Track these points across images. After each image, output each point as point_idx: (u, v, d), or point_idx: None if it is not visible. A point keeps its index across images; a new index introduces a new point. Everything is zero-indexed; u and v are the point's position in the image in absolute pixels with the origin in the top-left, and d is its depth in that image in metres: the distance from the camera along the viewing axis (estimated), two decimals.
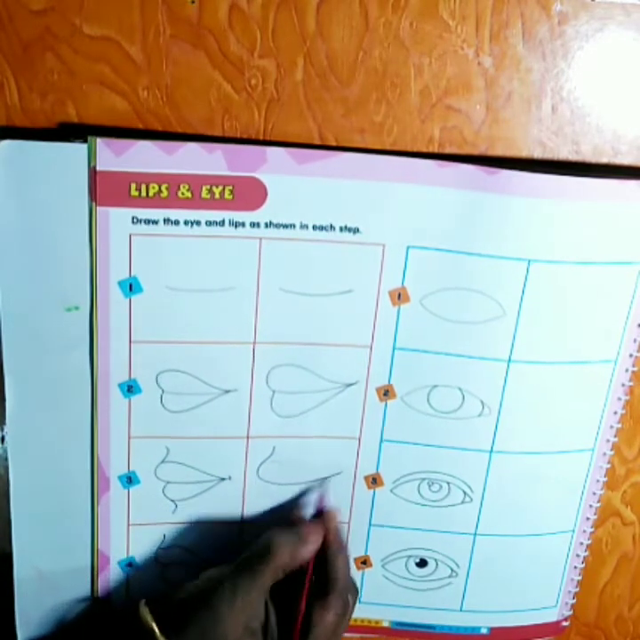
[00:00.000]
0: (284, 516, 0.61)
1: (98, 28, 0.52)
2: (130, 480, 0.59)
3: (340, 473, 0.61)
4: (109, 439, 0.58)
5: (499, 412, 0.59)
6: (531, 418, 0.60)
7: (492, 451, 0.60)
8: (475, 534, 0.63)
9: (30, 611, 0.62)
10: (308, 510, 0.61)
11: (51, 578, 0.61)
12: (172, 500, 0.61)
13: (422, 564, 0.64)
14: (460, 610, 0.66)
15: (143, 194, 0.52)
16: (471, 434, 0.60)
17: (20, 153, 0.51)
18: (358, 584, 0.64)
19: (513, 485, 0.62)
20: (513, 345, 0.57)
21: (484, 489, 0.62)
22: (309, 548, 0.57)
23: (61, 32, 0.52)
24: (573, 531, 0.65)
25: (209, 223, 0.54)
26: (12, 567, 0.60)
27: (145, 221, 0.53)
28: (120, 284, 0.54)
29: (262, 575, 0.55)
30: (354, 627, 0.66)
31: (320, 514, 0.60)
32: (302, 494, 0.62)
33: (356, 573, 0.64)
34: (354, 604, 0.59)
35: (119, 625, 0.58)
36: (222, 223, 0.54)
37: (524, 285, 0.56)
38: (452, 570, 0.65)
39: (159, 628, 0.54)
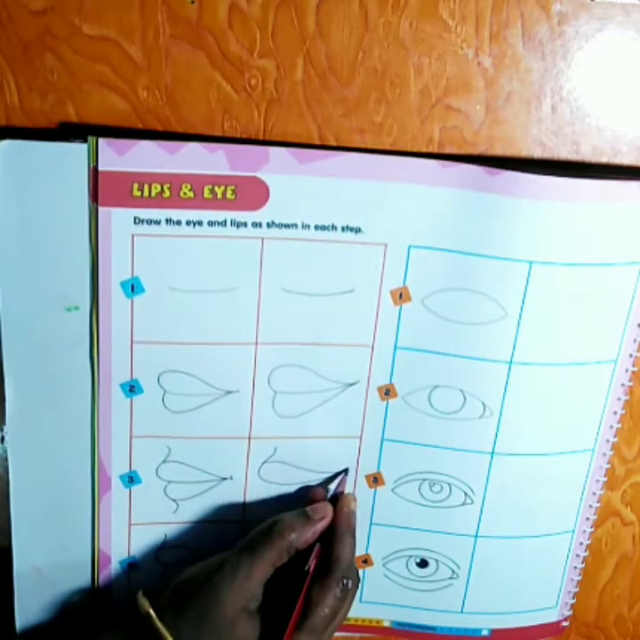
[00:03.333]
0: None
1: (98, 28, 0.52)
2: (131, 479, 0.59)
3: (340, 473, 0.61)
4: (111, 439, 0.58)
5: (500, 414, 0.59)
6: (532, 419, 0.60)
7: (493, 452, 0.60)
8: (476, 536, 0.63)
9: (30, 610, 0.62)
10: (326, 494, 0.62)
11: (51, 577, 0.61)
12: (174, 500, 0.61)
13: (423, 564, 0.64)
14: (461, 611, 0.66)
15: (145, 194, 0.52)
16: (472, 435, 0.60)
17: (20, 153, 0.51)
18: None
19: (514, 487, 0.62)
20: (514, 346, 0.57)
21: (485, 491, 0.62)
22: (316, 528, 0.57)
23: (61, 32, 0.52)
24: (573, 531, 0.65)
25: (211, 223, 0.54)
26: (12, 567, 0.60)
27: (147, 221, 0.53)
28: (122, 284, 0.54)
29: (265, 558, 0.54)
30: (354, 626, 0.67)
31: (335, 497, 0.60)
32: (303, 494, 0.62)
33: None
34: (354, 591, 0.58)
35: (119, 622, 0.58)
36: (224, 223, 0.54)
37: (526, 287, 0.56)
38: (452, 571, 0.64)
39: (156, 613, 0.54)
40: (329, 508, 0.58)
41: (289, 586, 0.56)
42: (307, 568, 0.56)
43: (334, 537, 0.58)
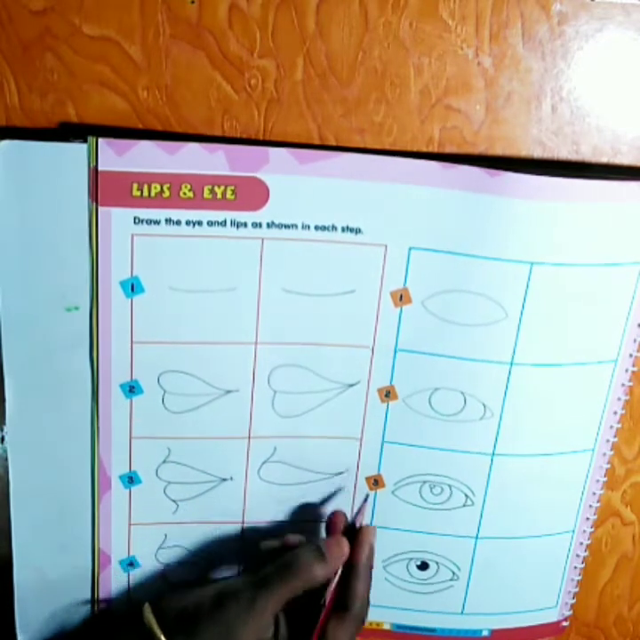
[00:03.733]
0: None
1: (98, 28, 0.52)
2: (131, 480, 0.59)
3: (341, 473, 0.61)
4: (111, 439, 0.58)
5: (501, 415, 0.59)
6: (532, 420, 0.60)
7: (493, 454, 0.60)
8: (476, 537, 0.63)
9: (30, 610, 0.61)
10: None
11: (51, 577, 0.61)
12: (174, 500, 0.60)
13: (423, 566, 0.64)
14: (462, 613, 0.66)
15: (145, 194, 0.52)
16: (473, 437, 0.60)
17: (20, 153, 0.51)
18: None
19: (514, 488, 0.62)
20: (515, 348, 0.57)
21: (486, 492, 0.62)
22: (333, 568, 0.56)
23: (61, 32, 0.52)
24: (573, 531, 0.65)
25: (211, 223, 0.53)
26: (12, 567, 0.60)
27: (147, 221, 0.53)
28: (122, 284, 0.54)
29: (280, 594, 0.54)
30: None
31: (353, 528, 0.60)
32: (302, 495, 0.62)
33: None
34: (366, 618, 0.58)
35: (120, 625, 0.58)
36: (224, 223, 0.54)
37: (527, 288, 0.56)
38: (453, 573, 0.64)
39: (164, 634, 0.54)
40: (346, 547, 0.57)
41: (304, 617, 0.56)
42: (322, 602, 0.56)
43: (352, 572, 0.57)
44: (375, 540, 0.59)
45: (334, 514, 0.60)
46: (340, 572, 0.57)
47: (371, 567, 0.58)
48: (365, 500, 0.61)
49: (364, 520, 0.61)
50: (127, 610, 0.60)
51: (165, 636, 0.54)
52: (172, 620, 0.54)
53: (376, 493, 0.62)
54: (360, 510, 0.61)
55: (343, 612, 0.56)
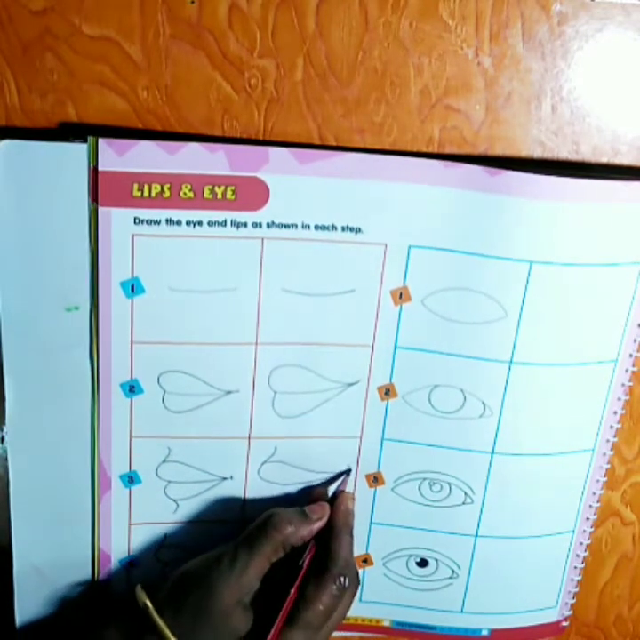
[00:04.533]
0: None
1: (98, 28, 0.52)
2: (131, 480, 0.59)
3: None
4: (111, 439, 0.58)
5: (500, 414, 0.59)
6: (532, 419, 0.60)
7: (493, 452, 0.60)
8: (476, 536, 0.63)
9: (30, 609, 0.62)
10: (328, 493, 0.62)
11: (51, 577, 0.61)
12: (174, 500, 0.61)
13: (423, 563, 0.64)
14: (461, 611, 0.66)
15: (145, 194, 0.52)
16: (472, 435, 0.60)
17: (19, 153, 0.51)
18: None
19: (514, 486, 0.62)
20: (514, 346, 0.57)
21: (485, 490, 0.62)
22: (312, 526, 0.57)
23: (61, 32, 0.52)
24: (573, 531, 0.65)
25: (211, 223, 0.53)
26: (12, 566, 0.60)
27: (147, 222, 0.53)
28: (122, 284, 0.54)
29: (261, 551, 0.55)
30: (354, 626, 0.67)
31: (335, 497, 0.61)
32: (304, 494, 0.62)
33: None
34: (354, 591, 0.58)
35: (119, 617, 0.58)
36: (224, 223, 0.54)
37: (526, 287, 0.56)
38: (452, 571, 0.65)
39: (155, 607, 0.54)
40: (326, 509, 0.59)
41: (285, 582, 0.56)
42: (300, 563, 0.56)
43: (331, 535, 0.58)
44: (354, 505, 0.61)
45: (314, 489, 0.61)
46: (313, 543, 0.57)
47: (350, 531, 0.59)
48: (347, 473, 0.61)
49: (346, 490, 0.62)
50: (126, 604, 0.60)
51: (157, 611, 0.54)
52: (164, 594, 0.55)
53: (375, 490, 0.62)
54: (342, 482, 0.61)
55: (322, 573, 0.56)
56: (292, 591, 0.55)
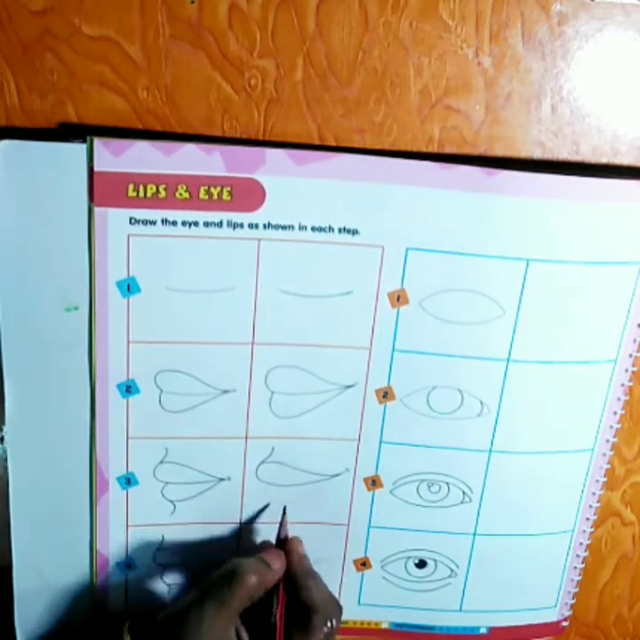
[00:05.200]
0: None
1: (97, 28, 0.52)
2: (128, 481, 0.59)
3: (339, 474, 0.61)
4: (108, 440, 0.58)
5: (498, 412, 0.59)
6: (530, 418, 0.60)
7: (491, 451, 0.60)
8: (474, 534, 0.63)
9: (29, 610, 0.62)
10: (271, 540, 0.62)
11: (50, 578, 0.61)
12: (171, 502, 0.60)
13: (422, 564, 0.64)
14: (460, 610, 0.66)
15: (141, 194, 0.52)
16: (470, 434, 0.60)
17: (19, 153, 0.51)
18: (357, 585, 0.65)
19: (512, 485, 0.62)
20: (512, 345, 0.57)
21: (483, 489, 0.62)
22: (274, 573, 0.56)
23: (61, 32, 0.52)
24: (573, 531, 0.65)
25: (207, 224, 0.53)
26: (12, 567, 0.60)
27: (143, 222, 0.53)
28: (118, 284, 0.54)
29: (229, 602, 0.54)
30: (352, 629, 0.67)
31: (281, 542, 0.60)
32: (300, 496, 0.62)
33: (355, 575, 0.64)
34: (339, 622, 0.57)
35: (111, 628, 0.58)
36: (220, 224, 0.54)
37: (523, 285, 0.56)
38: (451, 570, 0.65)
39: None
40: (282, 555, 0.58)
41: (264, 628, 0.56)
42: (273, 621, 0.56)
43: (297, 586, 0.57)
44: (302, 547, 0.60)
45: (264, 542, 0.62)
46: (282, 589, 0.57)
47: (312, 574, 0.59)
48: (284, 513, 0.61)
49: (289, 533, 0.61)
50: (124, 611, 0.60)
51: None
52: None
53: (374, 493, 0.62)
54: (282, 524, 0.61)
55: (307, 623, 0.55)
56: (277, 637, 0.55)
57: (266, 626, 0.56)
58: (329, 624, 0.56)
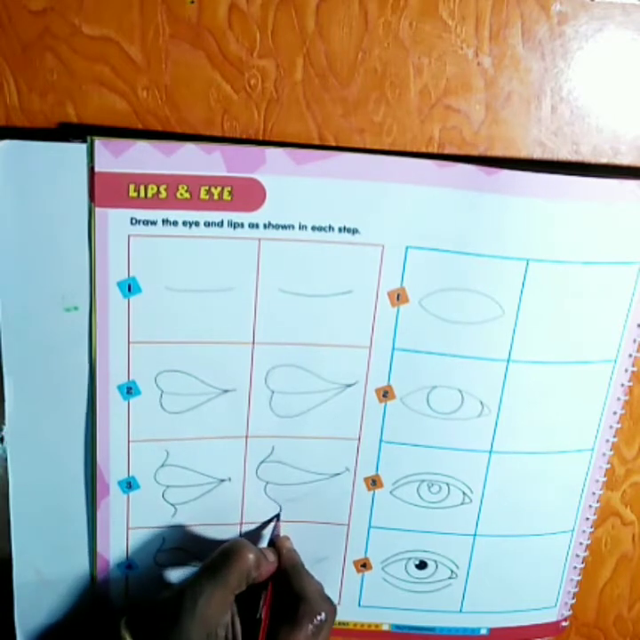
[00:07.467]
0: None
1: (97, 28, 0.52)
2: (130, 485, 0.59)
3: (339, 474, 0.61)
4: (109, 443, 0.58)
5: (498, 413, 0.59)
6: (530, 418, 0.60)
7: (491, 451, 0.60)
8: (474, 535, 0.63)
9: (30, 613, 0.61)
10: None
11: (50, 580, 0.61)
12: (172, 505, 0.60)
13: (422, 565, 0.64)
14: (460, 611, 0.66)
15: (142, 195, 0.52)
16: (470, 434, 0.60)
17: (19, 153, 0.51)
18: (358, 587, 0.65)
19: (512, 486, 0.62)
20: (512, 345, 0.57)
21: (484, 489, 0.62)
22: (269, 564, 0.57)
23: (61, 32, 0.52)
24: (573, 531, 0.65)
25: (208, 224, 0.54)
26: (12, 569, 0.60)
27: (143, 222, 0.53)
28: (119, 284, 0.54)
29: (224, 581, 0.54)
30: (353, 631, 0.67)
31: (272, 542, 0.61)
32: (300, 495, 0.62)
33: (355, 577, 0.64)
34: (333, 620, 0.57)
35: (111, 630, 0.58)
36: (221, 224, 0.54)
37: (523, 285, 0.56)
38: (451, 571, 0.65)
39: None
40: (275, 552, 0.59)
41: (254, 621, 0.56)
42: (259, 616, 0.56)
43: (287, 577, 0.58)
44: (291, 543, 0.61)
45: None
46: (270, 585, 0.57)
47: (302, 567, 0.59)
48: (277, 516, 0.61)
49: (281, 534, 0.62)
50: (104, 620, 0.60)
51: None
52: (142, 628, 0.55)
53: (374, 493, 0.62)
54: (275, 527, 0.61)
55: (294, 615, 0.55)
56: (262, 628, 0.55)
57: (252, 622, 0.56)
58: (318, 617, 0.55)
